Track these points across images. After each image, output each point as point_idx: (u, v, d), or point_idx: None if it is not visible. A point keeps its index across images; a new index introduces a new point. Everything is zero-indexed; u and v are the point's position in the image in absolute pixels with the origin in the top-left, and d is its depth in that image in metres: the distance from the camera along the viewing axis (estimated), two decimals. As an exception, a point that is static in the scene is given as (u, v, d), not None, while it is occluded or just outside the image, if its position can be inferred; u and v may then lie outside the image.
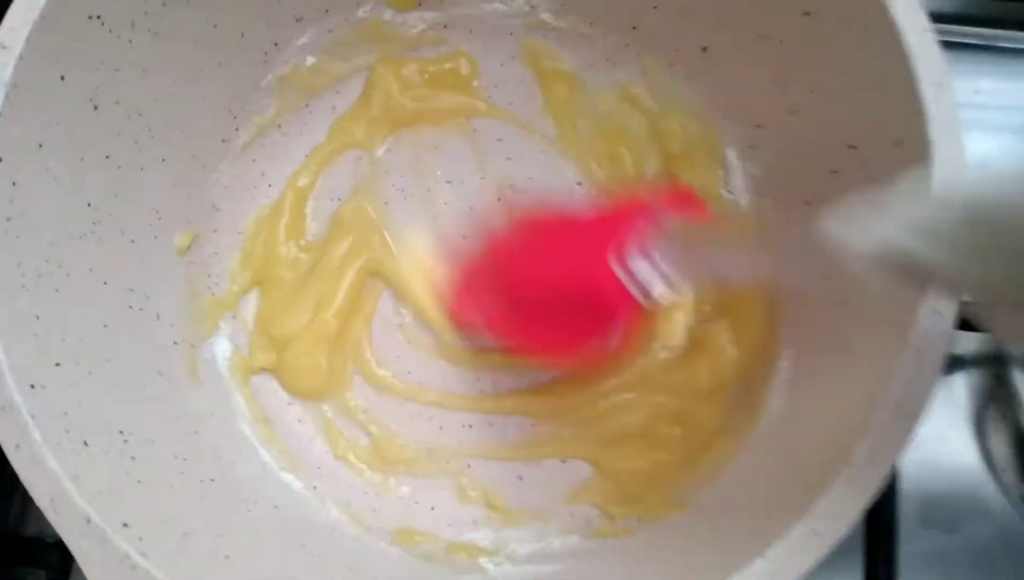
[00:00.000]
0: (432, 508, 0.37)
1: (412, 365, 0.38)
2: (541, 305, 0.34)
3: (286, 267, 0.39)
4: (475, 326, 0.38)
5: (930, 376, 0.23)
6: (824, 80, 0.30)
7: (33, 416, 0.26)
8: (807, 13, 0.29)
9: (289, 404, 0.38)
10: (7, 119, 0.27)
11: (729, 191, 0.37)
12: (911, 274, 0.20)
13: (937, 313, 0.24)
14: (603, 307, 0.30)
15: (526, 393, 0.38)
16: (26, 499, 0.41)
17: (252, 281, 0.39)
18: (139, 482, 0.28)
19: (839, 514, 0.23)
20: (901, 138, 0.26)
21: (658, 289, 0.29)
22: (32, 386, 0.26)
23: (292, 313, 0.39)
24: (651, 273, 0.29)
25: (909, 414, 0.23)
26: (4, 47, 0.27)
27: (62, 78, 0.29)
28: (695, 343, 0.37)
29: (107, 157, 0.32)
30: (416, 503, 0.37)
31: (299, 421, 0.38)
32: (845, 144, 0.29)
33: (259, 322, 0.39)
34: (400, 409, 0.38)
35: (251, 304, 0.39)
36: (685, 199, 0.36)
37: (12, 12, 0.27)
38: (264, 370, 0.38)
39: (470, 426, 0.38)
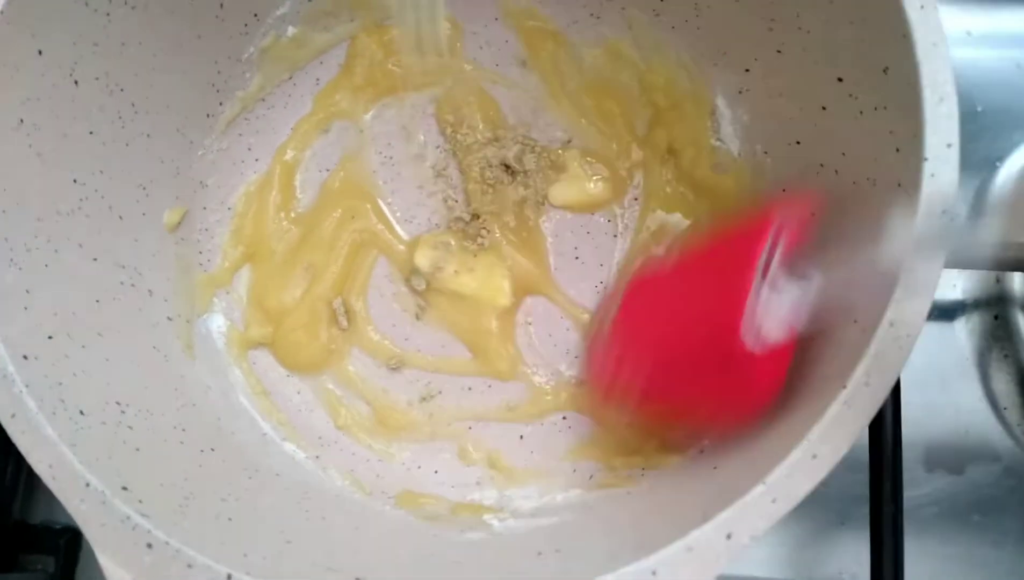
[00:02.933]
0: (435, 471, 0.36)
1: (408, 331, 0.38)
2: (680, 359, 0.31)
3: (277, 241, 0.39)
4: (622, 399, 0.33)
5: (924, 296, 0.23)
6: (809, 15, 0.29)
7: (27, 385, 0.25)
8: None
9: (287, 376, 0.38)
10: (-15, 94, 0.27)
11: (720, 140, 0.37)
12: None
13: (926, 239, 0.23)
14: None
15: (524, 353, 0.38)
16: (31, 487, 0.41)
17: (244, 256, 0.39)
18: (137, 450, 0.28)
19: (837, 436, 0.22)
20: (887, 64, 0.26)
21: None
22: (25, 357, 0.26)
23: (285, 286, 0.39)
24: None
25: (904, 335, 0.23)
26: (-21, 20, 0.27)
27: (40, 53, 0.29)
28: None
29: (91, 133, 0.32)
30: (419, 467, 0.37)
31: (298, 392, 0.38)
32: (833, 77, 0.29)
33: (252, 297, 0.39)
34: (399, 376, 0.38)
35: (245, 279, 0.39)
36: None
37: (-14, -15, 0.27)
38: (261, 345, 0.38)
39: (469, 389, 0.38)
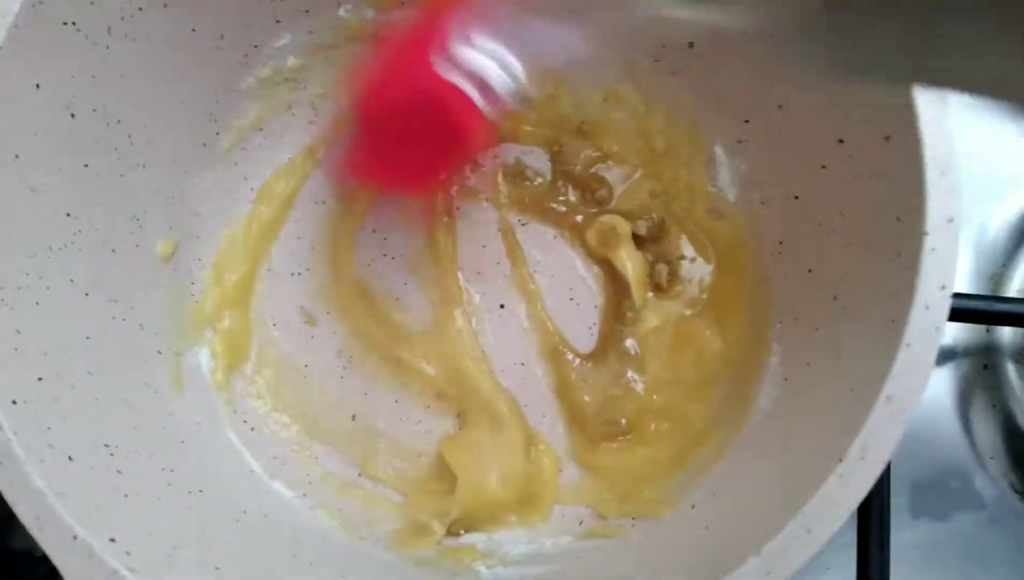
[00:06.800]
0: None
1: (401, 368, 0.38)
2: (398, 137, 0.33)
3: (271, 272, 0.39)
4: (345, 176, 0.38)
5: (921, 372, 0.23)
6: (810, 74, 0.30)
7: (16, 433, 0.25)
8: (792, 7, 0.29)
9: (275, 411, 0.38)
10: (-19, 129, 0.27)
11: (717, 186, 0.37)
12: None
13: (928, 308, 0.24)
14: (449, 117, 0.30)
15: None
16: (11, 513, 0.40)
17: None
18: (126, 496, 0.28)
19: (832, 511, 0.23)
20: (890, 132, 0.26)
21: (495, 78, 0.29)
22: (14, 402, 0.26)
23: (278, 318, 0.38)
24: (482, 61, 0.29)
25: (900, 410, 0.23)
26: (-24, 56, 0.27)
27: (37, 87, 0.29)
28: (680, 337, 0.37)
29: (86, 165, 0.31)
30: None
31: (287, 427, 0.38)
32: (834, 139, 0.29)
33: (244, 328, 0.38)
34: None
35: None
36: None
37: (-16, 21, 0.27)
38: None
39: (460, 429, 0.37)
